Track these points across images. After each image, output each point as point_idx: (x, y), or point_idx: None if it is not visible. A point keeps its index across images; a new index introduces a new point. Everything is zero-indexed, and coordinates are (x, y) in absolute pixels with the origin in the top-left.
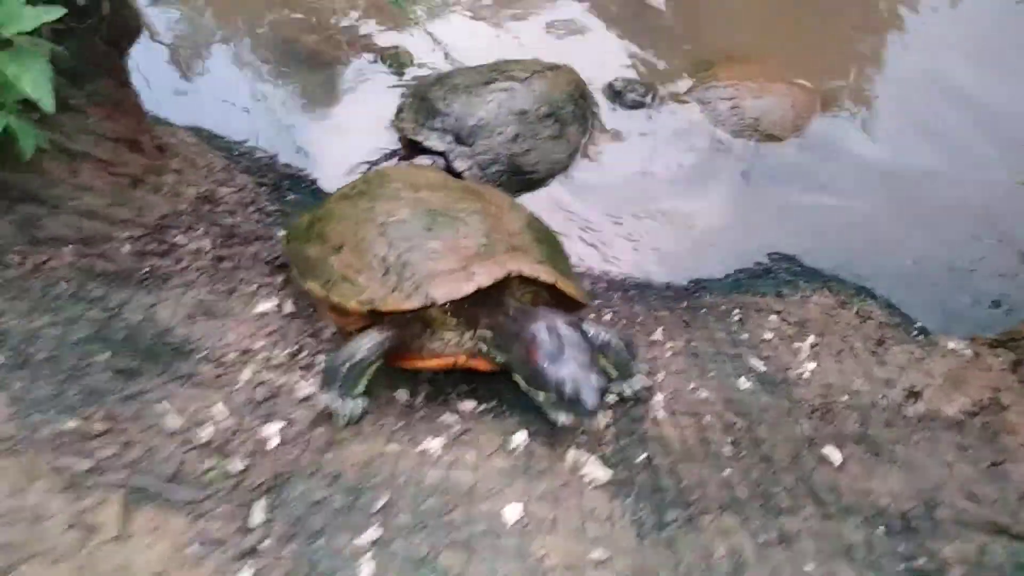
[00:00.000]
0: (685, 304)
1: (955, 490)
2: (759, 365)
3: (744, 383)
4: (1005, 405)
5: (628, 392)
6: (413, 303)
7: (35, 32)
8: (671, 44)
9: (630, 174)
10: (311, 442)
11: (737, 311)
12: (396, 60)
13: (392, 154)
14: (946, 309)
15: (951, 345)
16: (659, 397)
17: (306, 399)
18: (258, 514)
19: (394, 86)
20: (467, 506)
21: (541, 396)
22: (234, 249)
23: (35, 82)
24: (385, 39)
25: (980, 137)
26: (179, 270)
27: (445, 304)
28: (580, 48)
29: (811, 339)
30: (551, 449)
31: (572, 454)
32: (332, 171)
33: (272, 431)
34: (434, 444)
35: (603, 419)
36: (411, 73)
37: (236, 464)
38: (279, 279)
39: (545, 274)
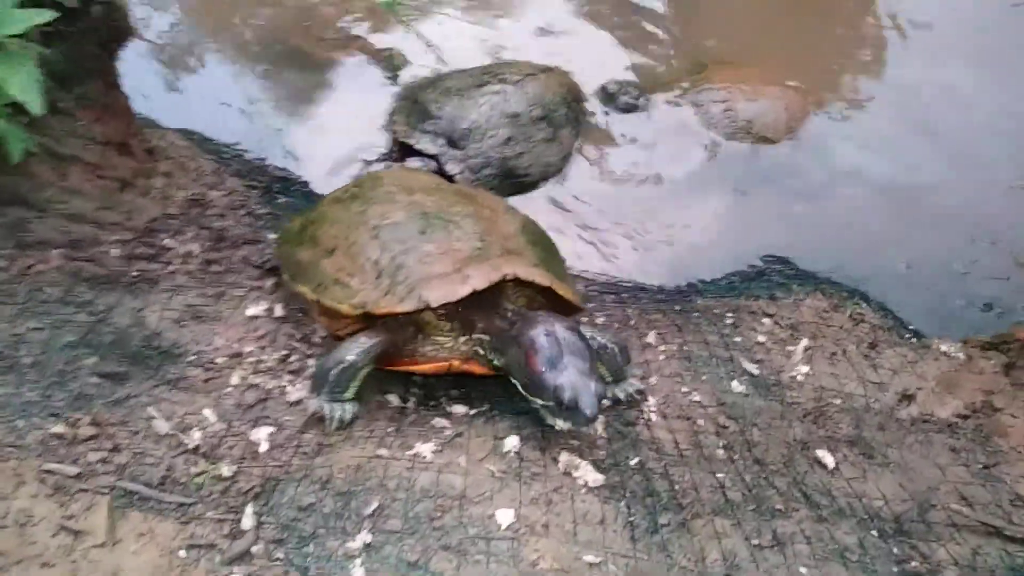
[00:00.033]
0: (678, 307)
1: (948, 493)
2: (752, 368)
3: (737, 386)
4: (998, 408)
5: (621, 396)
6: (407, 306)
7: (24, 35)
8: (664, 47)
9: (623, 177)
10: (301, 446)
11: (730, 314)
12: (390, 62)
13: (385, 156)
14: (939, 312)
15: (944, 348)
16: (652, 400)
17: (296, 403)
18: (248, 519)
19: (386, 86)
20: (459, 510)
21: (539, 401)
22: (224, 253)
23: (23, 85)
24: (378, 41)
25: (975, 140)
26: (168, 274)
27: (439, 308)
28: (572, 51)
29: (804, 342)
30: (543, 453)
31: (564, 458)
32: (323, 174)
33: (262, 435)
34: (425, 448)
35: (599, 426)
36: (404, 75)
37: (225, 468)
38: (269, 283)
39: (540, 277)
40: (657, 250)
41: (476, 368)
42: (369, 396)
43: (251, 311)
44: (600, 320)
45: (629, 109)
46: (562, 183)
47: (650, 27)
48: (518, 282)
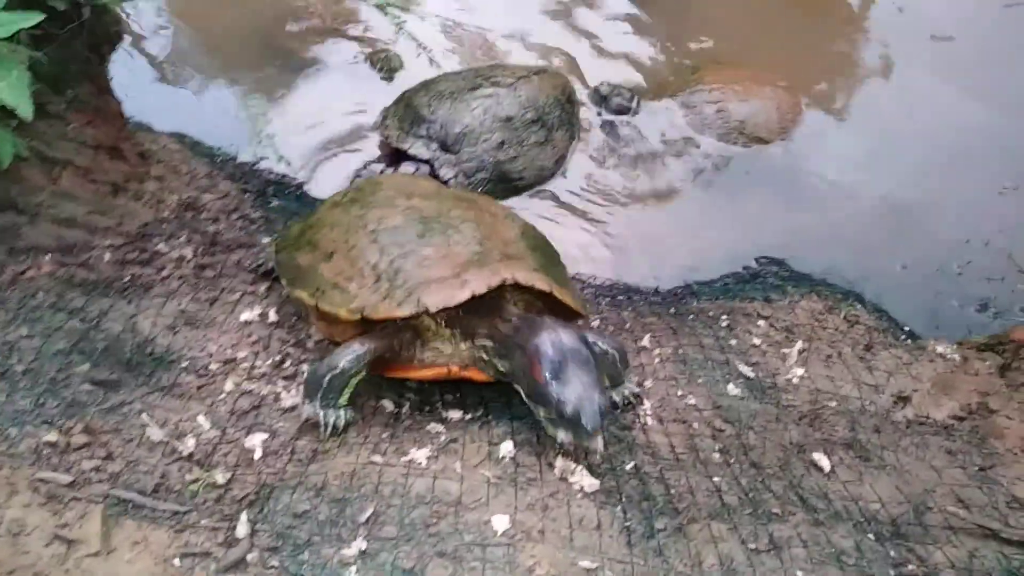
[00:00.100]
0: (673, 310)
1: (944, 495)
2: (747, 371)
3: (733, 389)
4: (993, 410)
5: (618, 399)
6: (405, 310)
7: (13, 38)
8: (656, 48)
9: (616, 179)
10: (295, 453)
11: (725, 317)
12: (387, 64)
13: (377, 160)
14: (934, 313)
15: (939, 349)
16: (648, 404)
17: (290, 409)
18: (243, 526)
19: (382, 89)
20: (454, 516)
21: (542, 411)
22: (217, 257)
23: (12, 89)
24: (373, 43)
25: (968, 141)
26: (161, 279)
27: (438, 313)
28: (564, 52)
29: (799, 344)
30: (539, 458)
31: (560, 463)
32: (317, 177)
33: (256, 442)
34: (420, 454)
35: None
36: (400, 77)
37: (220, 476)
38: (263, 287)
39: (540, 282)
40: (652, 252)
41: (475, 375)
42: (364, 402)
43: (245, 316)
44: (595, 323)
45: (622, 111)
46: (556, 186)
47: (642, 28)
48: (518, 287)
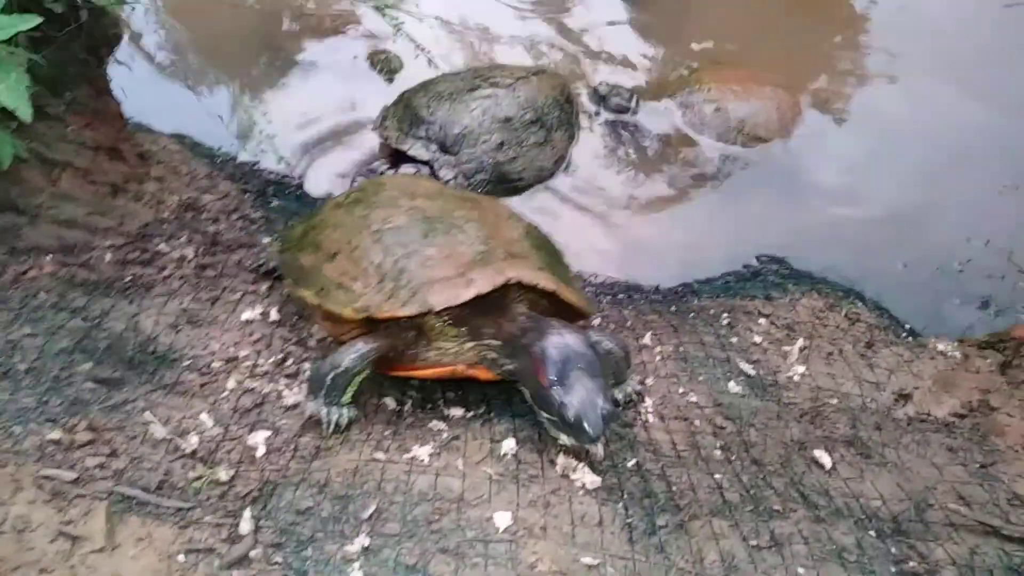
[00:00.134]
0: (674, 308)
1: (946, 492)
2: (749, 369)
3: (734, 387)
4: (994, 407)
5: (620, 397)
6: (409, 310)
7: (11, 41)
8: (655, 47)
9: (616, 178)
10: (298, 450)
11: (726, 314)
12: (387, 65)
13: (382, 161)
14: (935, 311)
15: (940, 347)
16: (649, 402)
17: (293, 407)
18: (246, 523)
19: (383, 89)
20: (456, 513)
21: (544, 414)
22: (218, 257)
23: (11, 91)
24: (372, 43)
25: (968, 139)
26: (162, 279)
27: (443, 312)
28: (564, 52)
29: (800, 342)
30: (540, 455)
31: (562, 460)
32: (317, 177)
33: (259, 440)
34: (422, 451)
35: (603, 449)
36: (400, 78)
37: (223, 473)
38: (264, 287)
39: (545, 281)
40: (652, 251)
41: (481, 373)
42: (366, 399)
43: (246, 315)
44: (596, 321)
45: (621, 110)
46: (555, 186)
47: (642, 28)
48: (523, 287)
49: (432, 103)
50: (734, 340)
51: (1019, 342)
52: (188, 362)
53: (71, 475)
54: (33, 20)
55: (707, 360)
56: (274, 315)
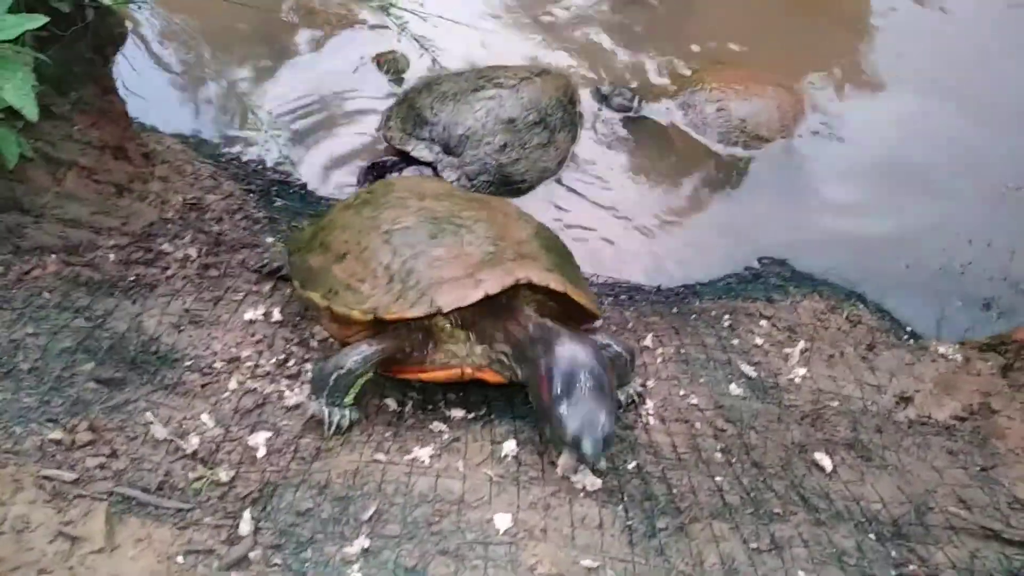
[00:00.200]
0: (675, 309)
1: (946, 495)
2: (750, 371)
3: (735, 389)
4: (995, 410)
5: (622, 398)
6: (417, 311)
7: (18, 40)
8: (657, 48)
9: (618, 179)
10: (299, 451)
11: (727, 317)
12: (394, 65)
13: (393, 163)
14: (936, 313)
15: (941, 350)
16: (650, 404)
17: (294, 408)
18: (246, 524)
19: (389, 89)
20: (457, 515)
21: (547, 427)
22: (221, 257)
23: (17, 90)
24: (377, 44)
25: (971, 140)
26: (165, 279)
27: (451, 313)
28: (566, 52)
29: (801, 344)
30: (541, 457)
31: (562, 461)
32: (321, 177)
33: (259, 440)
34: (423, 453)
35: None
36: (408, 78)
37: (223, 474)
38: (267, 287)
39: (555, 282)
40: (653, 252)
41: (489, 376)
42: (367, 400)
43: (249, 315)
44: (598, 323)
45: (623, 110)
46: (558, 186)
47: (644, 28)
48: (532, 288)
49: (435, 104)
50: (735, 342)
51: (1020, 345)
52: (190, 362)
53: (71, 475)
54: (39, 19)
55: (708, 362)
56: (277, 315)
